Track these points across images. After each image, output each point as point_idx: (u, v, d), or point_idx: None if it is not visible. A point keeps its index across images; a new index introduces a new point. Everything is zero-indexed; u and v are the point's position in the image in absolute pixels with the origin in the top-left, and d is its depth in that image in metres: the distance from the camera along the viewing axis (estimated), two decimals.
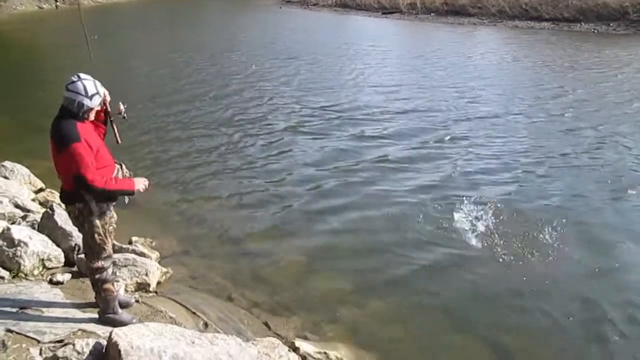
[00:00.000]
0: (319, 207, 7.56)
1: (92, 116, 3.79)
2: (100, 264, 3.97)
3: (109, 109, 4.03)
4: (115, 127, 4.17)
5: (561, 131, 10.98)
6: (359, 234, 6.72)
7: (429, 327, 5.13)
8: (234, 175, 8.77)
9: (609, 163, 9.14)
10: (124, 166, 4.07)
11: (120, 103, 4.16)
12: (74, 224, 4.01)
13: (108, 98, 4.00)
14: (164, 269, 5.51)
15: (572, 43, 22.97)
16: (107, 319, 4.12)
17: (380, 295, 5.56)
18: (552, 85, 15.15)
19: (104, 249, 3.96)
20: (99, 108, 3.83)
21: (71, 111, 3.66)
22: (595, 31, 27.25)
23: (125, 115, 4.20)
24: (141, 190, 3.96)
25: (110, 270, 4.09)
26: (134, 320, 4.16)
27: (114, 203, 3.99)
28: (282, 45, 22.82)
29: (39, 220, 5.62)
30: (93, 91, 3.68)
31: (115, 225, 4.07)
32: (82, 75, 3.71)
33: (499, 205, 7.43)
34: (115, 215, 4.06)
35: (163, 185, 8.23)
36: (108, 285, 4.07)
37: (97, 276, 4.01)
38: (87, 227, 3.85)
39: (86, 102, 3.65)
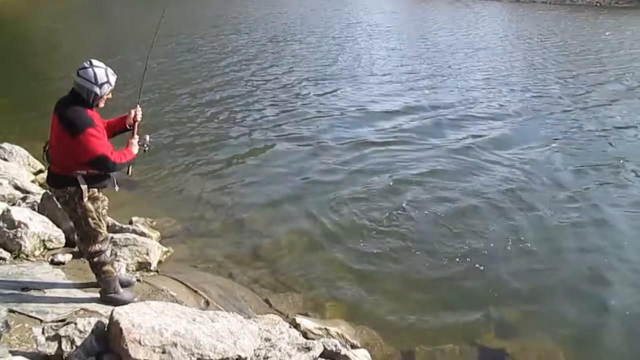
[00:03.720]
0: (320, 189, 7.54)
1: (101, 104, 3.73)
2: (97, 247, 3.94)
3: (136, 127, 3.98)
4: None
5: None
6: (360, 215, 6.72)
7: (429, 304, 5.17)
8: (236, 157, 8.74)
9: None
10: None
11: (146, 135, 4.05)
12: (65, 210, 3.91)
13: (139, 116, 3.99)
14: (165, 249, 5.53)
15: (587, 18, 22.57)
16: (108, 298, 4.14)
17: (380, 273, 5.58)
18: (601, 69, 14.76)
19: (100, 232, 3.92)
20: (109, 96, 3.75)
21: (81, 97, 3.60)
22: (598, 4, 26.88)
23: (147, 148, 4.05)
24: (136, 153, 3.90)
25: (108, 252, 4.07)
26: (135, 299, 4.17)
27: (104, 186, 3.94)
28: (297, 23, 22.50)
29: (38, 201, 5.62)
30: (103, 79, 3.59)
31: (107, 208, 4.04)
32: (94, 61, 3.62)
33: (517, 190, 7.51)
34: (106, 198, 4.03)
35: (164, 165, 8.21)
36: (107, 267, 4.06)
37: (95, 259, 3.99)
38: (80, 212, 3.78)
39: (96, 89, 3.57)
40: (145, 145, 4.04)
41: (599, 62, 16.34)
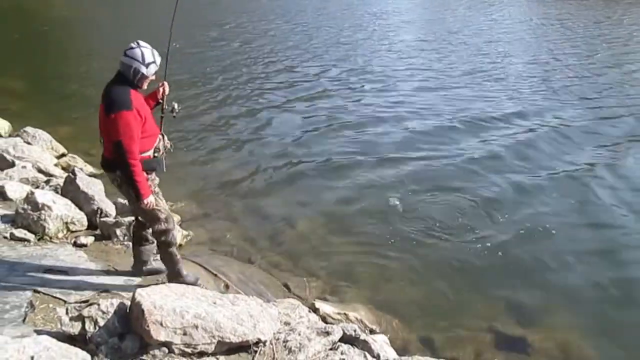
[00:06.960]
0: (341, 175, 7.52)
1: (145, 85, 3.77)
2: (163, 226, 3.95)
3: (164, 100, 4.05)
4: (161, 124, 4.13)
5: None
6: (379, 201, 6.70)
7: (449, 291, 5.13)
8: (258, 142, 8.76)
9: None
10: (165, 137, 4.04)
11: (174, 103, 4.13)
12: (121, 192, 3.98)
13: (167, 90, 4.03)
14: (185, 232, 5.57)
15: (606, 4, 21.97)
16: (174, 278, 4.16)
17: (399, 259, 5.55)
18: None
19: (159, 210, 3.92)
20: (153, 77, 3.78)
21: (126, 77, 3.64)
22: None
23: (175, 114, 4.17)
24: (145, 203, 3.76)
25: (175, 233, 4.08)
26: (199, 282, 4.24)
27: (153, 169, 3.94)
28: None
29: (61, 184, 5.69)
30: (150, 59, 3.65)
31: (158, 188, 4.04)
32: (141, 42, 3.69)
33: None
34: (157, 178, 4.05)
35: (186, 150, 8.25)
36: (173, 249, 4.09)
37: (162, 238, 4.01)
38: (132, 194, 3.79)
39: (142, 69, 3.62)
40: (174, 112, 4.15)
41: None
